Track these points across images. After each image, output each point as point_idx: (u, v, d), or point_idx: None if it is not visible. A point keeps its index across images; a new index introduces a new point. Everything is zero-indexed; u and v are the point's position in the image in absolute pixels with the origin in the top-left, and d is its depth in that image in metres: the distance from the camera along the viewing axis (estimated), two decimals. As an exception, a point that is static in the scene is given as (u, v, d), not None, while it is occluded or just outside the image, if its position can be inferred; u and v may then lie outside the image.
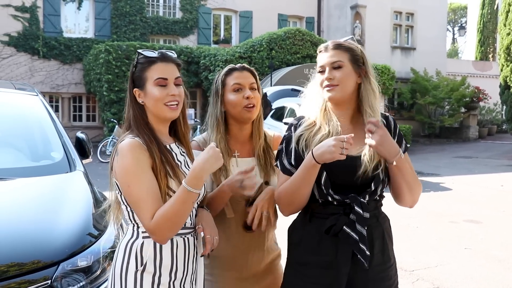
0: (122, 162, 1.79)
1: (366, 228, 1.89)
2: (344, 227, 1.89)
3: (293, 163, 2.00)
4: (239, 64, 2.28)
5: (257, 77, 2.28)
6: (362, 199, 1.89)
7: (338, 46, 1.99)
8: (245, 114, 2.20)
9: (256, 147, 2.25)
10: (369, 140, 1.85)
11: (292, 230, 2.10)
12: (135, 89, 1.91)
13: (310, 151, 1.87)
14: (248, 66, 2.28)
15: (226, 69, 2.27)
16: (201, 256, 1.98)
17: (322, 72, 2.01)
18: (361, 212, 1.88)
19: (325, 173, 1.91)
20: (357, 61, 1.98)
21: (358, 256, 1.88)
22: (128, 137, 1.85)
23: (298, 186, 1.93)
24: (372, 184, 1.92)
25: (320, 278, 1.96)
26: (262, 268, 2.28)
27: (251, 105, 2.19)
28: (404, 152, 1.95)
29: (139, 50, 1.93)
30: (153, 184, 1.78)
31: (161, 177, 1.80)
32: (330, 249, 1.94)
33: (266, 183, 2.21)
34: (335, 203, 1.94)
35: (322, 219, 1.97)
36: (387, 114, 2.08)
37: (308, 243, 2.01)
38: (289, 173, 2.00)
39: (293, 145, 2.01)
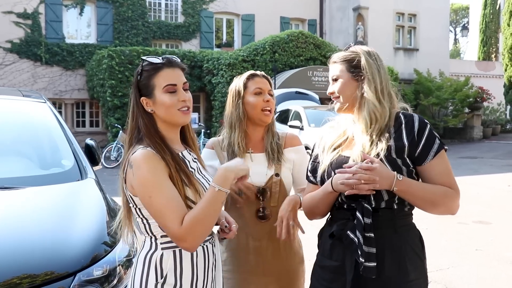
0: (138, 174, 1.72)
1: (367, 234, 1.82)
2: (348, 232, 1.87)
3: (309, 168, 2.11)
4: (258, 71, 2.44)
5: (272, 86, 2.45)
6: (366, 205, 1.85)
7: (335, 61, 2.03)
8: (263, 117, 2.37)
9: (267, 145, 2.41)
10: (367, 186, 1.79)
11: (319, 232, 2.14)
12: (142, 97, 1.85)
13: (330, 179, 1.91)
14: (266, 75, 2.45)
15: (248, 73, 2.43)
16: (222, 239, 2.01)
17: None
18: (361, 217, 1.84)
19: (333, 174, 1.91)
20: (354, 68, 1.98)
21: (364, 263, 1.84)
22: (139, 149, 1.77)
23: (316, 204, 2.03)
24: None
25: (332, 282, 1.96)
26: (279, 264, 2.36)
27: (269, 109, 2.37)
28: (437, 153, 1.90)
29: (143, 57, 1.88)
30: (174, 191, 1.73)
31: (179, 187, 1.76)
32: (341, 254, 1.93)
33: (277, 174, 2.36)
34: (345, 206, 1.94)
35: (335, 223, 1.98)
36: (408, 113, 2.02)
37: (324, 247, 2.03)
38: (309, 180, 2.11)
39: (315, 150, 2.11)
